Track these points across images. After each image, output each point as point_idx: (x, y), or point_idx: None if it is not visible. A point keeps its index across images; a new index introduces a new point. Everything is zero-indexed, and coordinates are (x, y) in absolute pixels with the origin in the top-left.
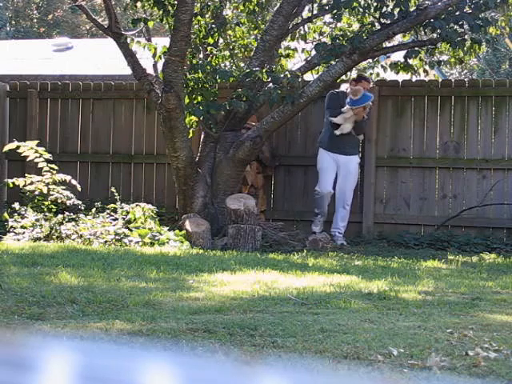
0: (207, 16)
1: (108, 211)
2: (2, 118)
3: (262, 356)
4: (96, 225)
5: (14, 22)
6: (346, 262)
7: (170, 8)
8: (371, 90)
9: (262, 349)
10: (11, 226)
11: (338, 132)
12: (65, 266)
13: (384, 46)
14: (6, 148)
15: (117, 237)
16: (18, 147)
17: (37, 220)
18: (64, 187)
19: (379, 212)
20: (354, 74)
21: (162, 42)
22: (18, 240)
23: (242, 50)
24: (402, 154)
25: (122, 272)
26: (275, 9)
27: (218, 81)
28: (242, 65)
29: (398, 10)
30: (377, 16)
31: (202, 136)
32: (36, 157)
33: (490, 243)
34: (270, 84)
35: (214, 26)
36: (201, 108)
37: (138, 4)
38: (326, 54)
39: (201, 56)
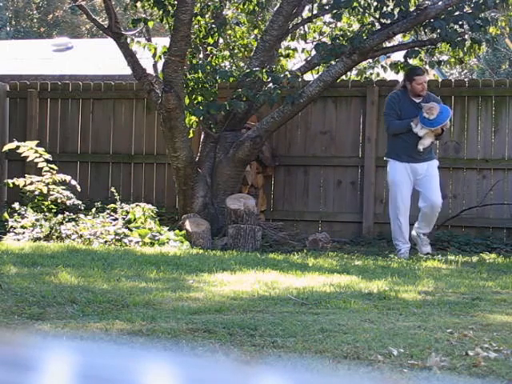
0: (207, 16)
1: (108, 211)
2: (2, 118)
3: (262, 356)
4: (96, 225)
5: (14, 22)
6: (345, 261)
7: (169, 8)
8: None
9: (261, 349)
10: (11, 226)
11: (420, 148)
12: (65, 266)
13: (384, 45)
14: (6, 148)
15: (117, 237)
16: (17, 147)
17: (37, 220)
18: (64, 187)
19: (379, 212)
20: (354, 73)
21: (162, 42)
22: (18, 240)
23: (242, 50)
24: None
25: (122, 272)
26: (275, 9)
27: (218, 81)
28: (241, 65)
29: (398, 9)
30: (377, 16)
31: (202, 136)
32: (36, 157)
33: (490, 243)
34: (270, 84)
35: (213, 25)
36: (201, 108)
37: (138, 4)
38: (325, 54)
39: (201, 56)
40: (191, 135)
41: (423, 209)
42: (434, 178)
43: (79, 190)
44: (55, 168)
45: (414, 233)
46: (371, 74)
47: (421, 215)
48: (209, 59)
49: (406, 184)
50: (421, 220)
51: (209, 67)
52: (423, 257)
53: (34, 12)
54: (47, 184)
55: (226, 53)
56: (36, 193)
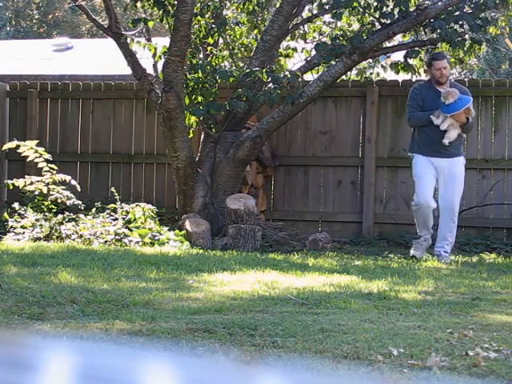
0: (207, 16)
1: (108, 211)
2: (2, 118)
3: (262, 356)
4: (96, 225)
5: (14, 22)
6: (345, 262)
7: (169, 8)
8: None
9: (262, 349)
10: (11, 226)
11: (446, 142)
12: (65, 266)
13: (384, 45)
14: (6, 147)
15: (117, 237)
16: (17, 147)
17: (37, 220)
18: (64, 187)
19: (379, 212)
20: (354, 73)
21: (162, 42)
22: (18, 240)
23: (242, 50)
24: (402, 154)
25: (122, 272)
26: (275, 9)
27: (218, 81)
28: (241, 65)
29: (397, 9)
30: (377, 16)
31: (202, 136)
32: (36, 157)
33: (490, 243)
34: (270, 84)
35: (213, 25)
36: (201, 108)
37: (138, 4)
38: (326, 53)
39: (201, 56)
40: (191, 135)
41: (440, 211)
42: (455, 180)
43: (79, 189)
44: (55, 168)
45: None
46: (371, 73)
47: (439, 223)
48: (209, 59)
49: (429, 176)
50: (439, 228)
51: (209, 67)
52: (423, 257)
53: (34, 12)
54: (47, 184)
55: (226, 53)
56: (36, 193)
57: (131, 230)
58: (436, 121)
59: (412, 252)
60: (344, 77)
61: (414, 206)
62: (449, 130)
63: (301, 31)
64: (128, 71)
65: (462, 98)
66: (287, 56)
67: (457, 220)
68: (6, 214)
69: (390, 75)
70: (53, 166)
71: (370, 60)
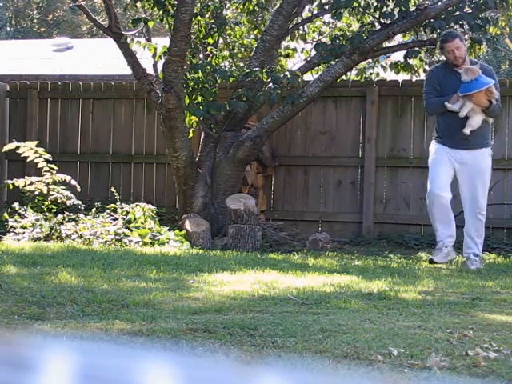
0: (207, 16)
1: (108, 211)
2: (2, 118)
3: (262, 356)
4: (96, 225)
5: (14, 22)
6: (345, 262)
7: (169, 8)
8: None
9: (261, 349)
10: (11, 226)
11: (467, 131)
12: (65, 266)
13: (384, 45)
14: (6, 148)
15: (117, 237)
16: (17, 147)
17: (37, 220)
18: (64, 187)
19: (379, 212)
20: (354, 73)
21: (162, 42)
22: (18, 240)
23: (242, 50)
24: (402, 154)
25: (122, 272)
26: (275, 9)
27: (218, 81)
28: (241, 65)
29: (398, 9)
30: (377, 16)
31: (202, 136)
32: (36, 157)
33: (490, 243)
34: (270, 84)
35: (214, 25)
36: (201, 108)
37: (138, 4)
38: (326, 54)
39: (201, 56)
40: (191, 135)
41: (465, 210)
42: (481, 174)
43: (79, 190)
44: (55, 168)
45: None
46: (371, 73)
47: (465, 226)
48: (209, 59)
49: (445, 165)
50: (465, 230)
51: (209, 67)
52: (423, 257)
53: (34, 12)
54: (47, 184)
55: (226, 53)
56: (36, 193)
57: (131, 230)
58: (452, 107)
59: (430, 257)
60: (344, 77)
61: (427, 197)
62: (470, 117)
63: (301, 31)
64: (128, 71)
65: (483, 78)
66: (287, 56)
67: (484, 217)
68: (6, 214)
69: (389, 75)
70: (53, 166)
71: (370, 60)
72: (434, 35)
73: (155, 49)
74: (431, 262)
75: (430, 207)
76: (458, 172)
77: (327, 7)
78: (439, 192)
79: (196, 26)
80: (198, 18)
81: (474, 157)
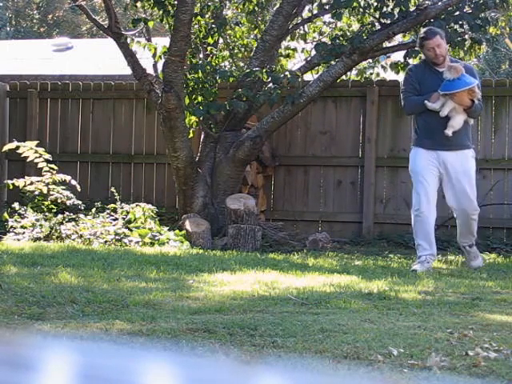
0: (207, 16)
1: (108, 211)
2: (2, 118)
3: (262, 356)
4: (96, 225)
5: (14, 22)
6: (345, 262)
7: (169, 8)
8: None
9: (261, 349)
10: (11, 226)
11: (449, 132)
12: (65, 266)
13: (384, 45)
14: (6, 148)
15: (117, 237)
16: (17, 147)
17: (37, 220)
18: (64, 187)
19: (379, 212)
20: (354, 73)
21: (162, 42)
22: (18, 240)
23: (242, 50)
24: (402, 154)
25: (122, 272)
26: (275, 9)
27: (218, 81)
28: (241, 65)
29: (398, 9)
30: (377, 16)
31: (202, 136)
32: (36, 157)
33: (490, 243)
34: (270, 84)
35: (214, 25)
36: (201, 108)
37: (138, 4)
38: (325, 54)
39: (201, 56)
40: (191, 135)
41: (454, 212)
42: (466, 177)
43: (79, 189)
44: (55, 168)
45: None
46: (371, 74)
47: (456, 220)
48: (209, 59)
49: (430, 171)
50: (458, 225)
51: (209, 67)
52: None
53: (34, 12)
54: (47, 184)
55: (226, 53)
56: (36, 193)
57: (131, 230)
58: (433, 105)
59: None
60: (344, 77)
61: (415, 214)
62: (452, 117)
63: (301, 31)
64: (128, 71)
65: (466, 77)
66: (287, 56)
67: (477, 218)
68: (5, 214)
69: (389, 75)
70: (53, 166)
71: (370, 60)
72: None
73: (155, 49)
74: (414, 271)
75: (414, 223)
76: (443, 175)
77: (327, 7)
78: (426, 213)
79: (196, 26)
80: (198, 17)
81: (457, 158)
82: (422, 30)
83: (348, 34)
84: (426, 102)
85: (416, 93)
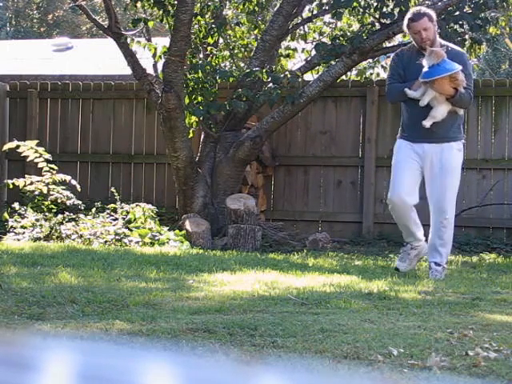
0: (207, 16)
1: (108, 211)
2: (2, 118)
3: (262, 356)
4: (96, 225)
5: (14, 22)
6: (345, 262)
7: (170, 8)
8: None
9: (261, 349)
10: (11, 226)
11: (427, 123)
12: (65, 266)
13: (384, 45)
14: (6, 147)
15: (117, 237)
16: (17, 147)
17: (37, 220)
18: (64, 187)
19: (379, 212)
20: (354, 73)
21: (162, 42)
22: (18, 240)
23: (242, 50)
24: None
25: (122, 272)
26: (275, 9)
27: (218, 81)
28: (242, 65)
29: (398, 10)
30: (377, 16)
31: (202, 136)
32: (36, 157)
33: (490, 243)
34: (270, 84)
35: (214, 25)
36: (201, 108)
37: (138, 4)
38: (325, 54)
39: (201, 56)
40: (191, 135)
41: (430, 208)
42: (446, 171)
43: (79, 190)
44: (55, 168)
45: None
46: (371, 74)
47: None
48: (209, 59)
49: (408, 166)
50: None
51: (209, 67)
52: (423, 257)
53: (34, 12)
54: (47, 184)
55: (226, 53)
56: (36, 193)
57: (131, 230)
58: (413, 93)
59: (396, 263)
60: (344, 77)
61: (388, 203)
62: (434, 107)
63: (301, 31)
64: (128, 71)
65: (447, 62)
66: (287, 56)
67: (451, 224)
68: (6, 214)
69: None
70: (53, 166)
71: (370, 60)
72: None
73: (155, 49)
74: (396, 269)
75: (392, 213)
76: (424, 169)
77: (327, 7)
78: (400, 201)
79: (196, 26)
80: (198, 17)
81: (440, 152)
82: (411, 9)
83: (348, 33)
84: (406, 89)
85: (400, 80)
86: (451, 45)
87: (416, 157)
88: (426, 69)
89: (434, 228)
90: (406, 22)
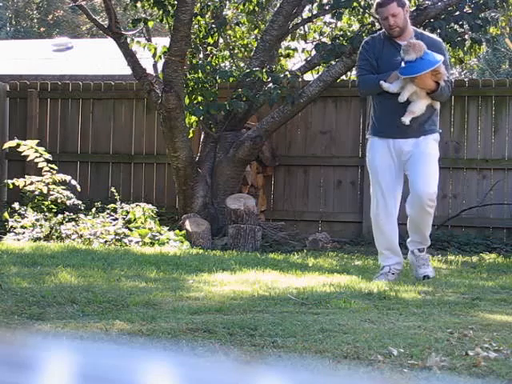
0: (207, 16)
1: (108, 211)
2: (2, 118)
3: (262, 356)
4: (96, 225)
5: (14, 22)
6: (345, 262)
7: (169, 8)
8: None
9: (261, 349)
10: (11, 226)
11: (406, 120)
12: (65, 266)
13: None
14: (6, 145)
15: (117, 237)
16: (18, 146)
17: (37, 220)
18: (64, 187)
19: None
20: (354, 73)
21: (162, 42)
22: (18, 240)
23: (242, 50)
24: None
25: (122, 272)
26: (275, 9)
27: (218, 81)
28: (242, 65)
29: None
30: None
31: (202, 136)
32: (36, 157)
33: (490, 243)
34: (270, 84)
35: (213, 25)
36: (201, 108)
37: (138, 4)
38: (325, 54)
39: (201, 56)
40: (191, 135)
41: (408, 201)
42: (424, 158)
43: (79, 189)
44: (55, 168)
45: (409, 255)
46: None
47: (408, 213)
48: (209, 59)
49: (388, 169)
50: (409, 221)
51: (209, 67)
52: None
53: (34, 12)
54: (47, 184)
55: (226, 53)
56: (36, 193)
57: (131, 230)
58: (390, 87)
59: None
60: (344, 77)
61: (374, 220)
62: (412, 102)
63: (301, 31)
64: (128, 71)
65: (430, 54)
66: (287, 56)
67: (433, 210)
68: (6, 214)
69: None
70: (53, 165)
71: None
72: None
73: (155, 49)
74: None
75: (373, 229)
76: (405, 168)
77: (327, 7)
78: (384, 220)
79: (196, 26)
80: (198, 17)
81: (417, 144)
82: None
83: (348, 33)
84: (381, 82)
85: (373, 70)
86: (426, 32)
87: (393, 158)
88: (405, 63)
89: (415, 219)
90: (374, 6)
